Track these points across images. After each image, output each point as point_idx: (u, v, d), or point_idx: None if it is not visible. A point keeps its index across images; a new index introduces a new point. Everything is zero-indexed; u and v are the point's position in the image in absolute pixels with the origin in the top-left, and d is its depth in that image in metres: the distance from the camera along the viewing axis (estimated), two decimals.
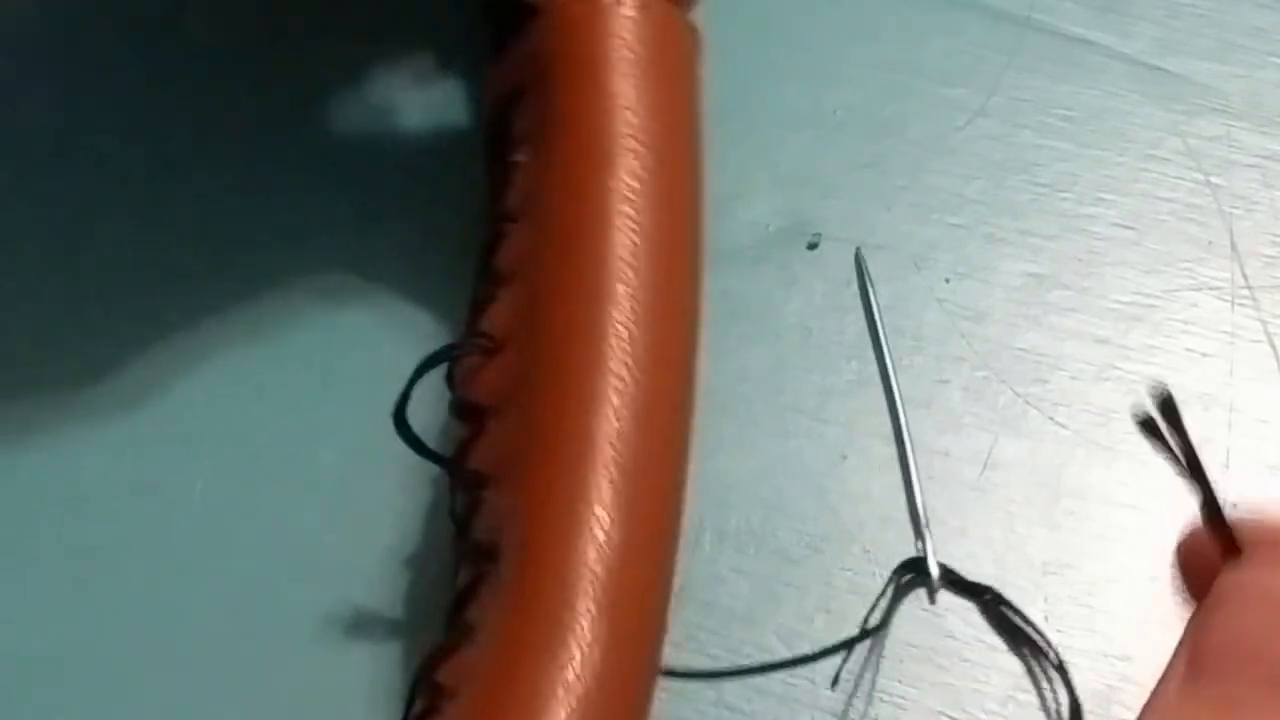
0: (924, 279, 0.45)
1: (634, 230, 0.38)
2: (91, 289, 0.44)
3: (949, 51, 0.48)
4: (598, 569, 0.34)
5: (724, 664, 0.39)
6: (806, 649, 0.40)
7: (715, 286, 0.41)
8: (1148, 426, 0.30)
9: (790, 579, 0.41)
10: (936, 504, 0.42)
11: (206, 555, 0.41)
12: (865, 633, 0.39)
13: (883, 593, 0.40)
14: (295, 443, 0.42)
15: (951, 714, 0.39)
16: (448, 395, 0.39)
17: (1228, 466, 0.42)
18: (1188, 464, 0.30)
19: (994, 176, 0.46)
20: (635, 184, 0.38)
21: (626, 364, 0.36)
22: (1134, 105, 0.48)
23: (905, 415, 0.42)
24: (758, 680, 0.39)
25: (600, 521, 0.34)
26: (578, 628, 0.33)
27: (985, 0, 0.49)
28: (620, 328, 0.36)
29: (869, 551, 0.41)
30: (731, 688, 0.39)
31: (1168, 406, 0.30)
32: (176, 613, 0.40)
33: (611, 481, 0.35)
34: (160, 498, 0.41)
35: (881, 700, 0.39)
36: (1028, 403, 0.43)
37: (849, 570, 0.41)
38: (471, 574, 0.35)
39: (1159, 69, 0.48)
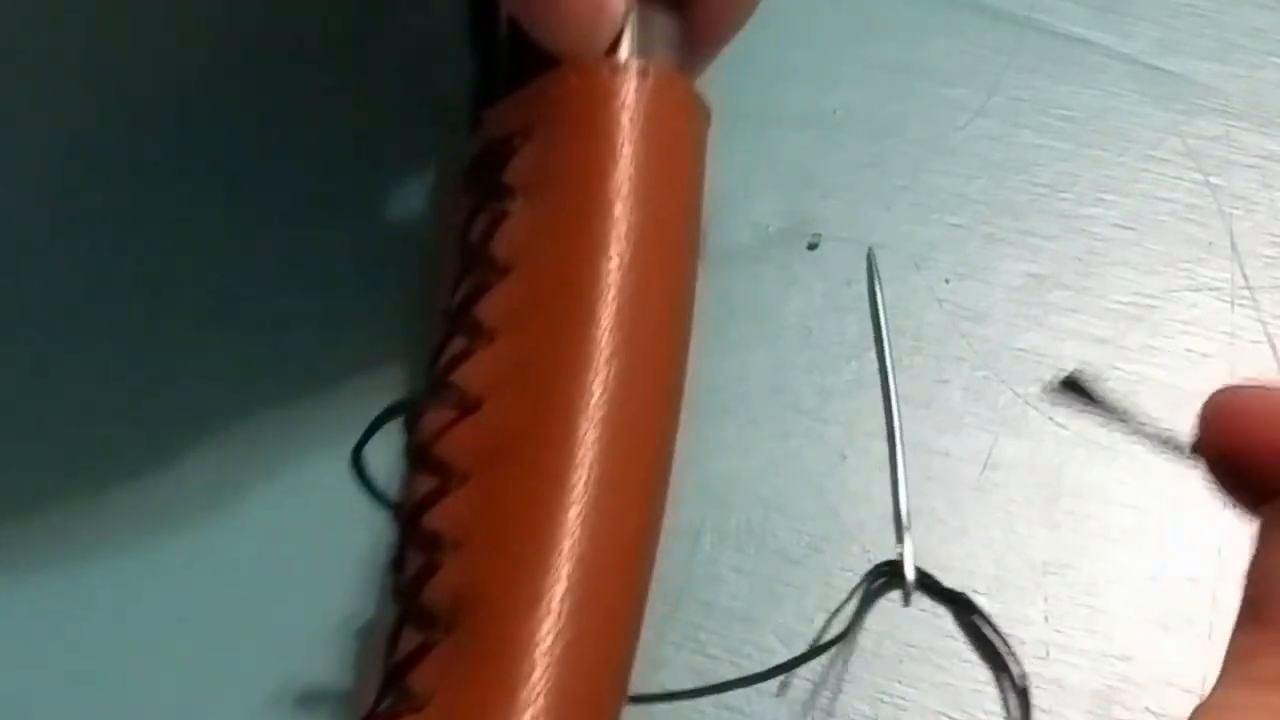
0: (924, 279, 0.45)
1: (627, 303, 0.37)
2: (92, 311, 0.44)
3: (949, 51, 0.48)
4: (559, 651, 0.34)
5: (723, 664, 0.39)
6: (805, 649, 0.40)
7: (715, 286, 0.41)
8: (1069, 386, 0.30)
9: (790, 579, 0.41)
10: (936, 504, 0.42)
11: (159, 620, 0.40)
12: (825, 644, 0.39)
13: (849, 597, 0.40)
14: (245, 503, 0.41)
15: (951, 714, 0.39)
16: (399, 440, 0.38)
17: None
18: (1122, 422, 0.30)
19: (994, 176, 0.46)
20: (633, 255, 0.37)
21: (608, 444, 0.35)
22: (1134, 105, 0.48)
23: (900, 418, 0.42)
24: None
25: (567, 606, 0.34)
26: (537, 708, 0.33)
27: (985, 0, 0.49)
28: (604, 407, 0.36)
29: (869, 551, 0.41)
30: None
31: (1076, 386, 0.30)
32: (129, 685, 0.40)
33: (582, 570, 0.34)
34: (106, 559, 0.41)
35: (882, 701, 0.39)
36: (1028, 403, 0.43)
37: (849, 570, 0.41)
38: (418, 640, 0.35)
39: (1159, 69, 0.48)
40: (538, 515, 0.35)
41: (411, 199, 0.45)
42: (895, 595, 0.40)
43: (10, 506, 0.41)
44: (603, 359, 0.36)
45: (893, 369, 0.43)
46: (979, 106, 0.47)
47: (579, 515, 0.35)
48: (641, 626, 0.37)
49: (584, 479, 0.35)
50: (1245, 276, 0.45)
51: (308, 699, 0.39)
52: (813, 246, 0.45)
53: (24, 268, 0.44)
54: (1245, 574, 0.29)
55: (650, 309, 0.38)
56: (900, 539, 0.41)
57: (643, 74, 0.39)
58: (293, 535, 0.41)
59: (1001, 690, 0.39)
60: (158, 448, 0.42)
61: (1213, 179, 0.46)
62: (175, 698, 0.39)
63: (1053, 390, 0.31)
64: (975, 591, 0.40)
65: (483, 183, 0.40)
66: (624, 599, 0.36)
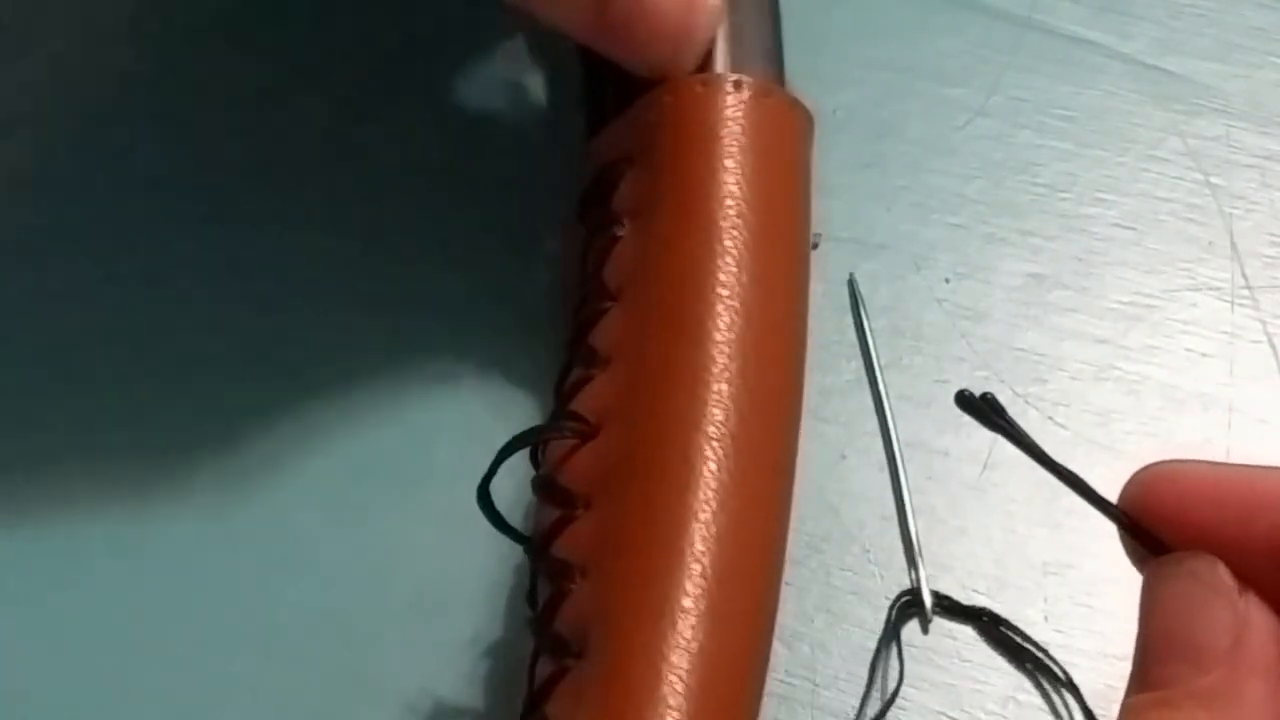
0: (924, 279, 0.45)
1: (739, 321, 0.37)
2: (113, 288, 0.44)
3: (949, 51, 0.48)
4: (687, 675, 0.33)
5: None
6: (806, 649, 0.40)
7: None
8: (969, 404, 0.30)
9: (790, 579, 0.41)
10: (936, 504, 0.42)
11: (263, 637, 0.40)
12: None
13: (884, 636, 0.40)
14: (370, 522, 0.41)
15: (951, 714, 0.39)
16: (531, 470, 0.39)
17: None
18: (1028, 451, 0.31)
19: (994, 176, 0.46)
20: (742, 272, 0.37)
21: (726, 460, 0.35)
22: (1134, 105, 0.48)
23: (901, 453, 0.42)
24: None
25: (691, 627, 0.34)
26: None
27: (985, 0, 0.49)
28: (720, 424, 0.36)
29: (869, 551, 0.41)
30: None
31: (992, 404, 0.30)
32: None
33: (705, 585, 0.34)
34: (226, 580, 0.41)
35: (881, 700, 0.39)
36: (1028, 403, 0.43)
37: (849, 570, 0.41)
38: (552, 668, 0.35)
39: (1159, 69, 0.48)
40: (657, 535, 0.35)
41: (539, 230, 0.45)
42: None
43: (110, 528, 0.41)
44: (721, 382, 0.36)
45: (891, 413, 0.43)
46: (979, 106, 0.47)
47: (699, 531, 0.34)
48: (771, 639, 0.37)
49: (703, 498, 0.35)
50: (1245, 276, 0.45)
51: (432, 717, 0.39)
52: (813, 246, 0.45)
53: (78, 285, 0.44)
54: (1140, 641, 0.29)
55: (763, 324, 0.37)
56: (911, 565, 0.41)
57: (737, 87, 0.39)
58: (418, 559, 0.41)
59: (1044, 693, 0.39)
60: (280, 466, 0.42)
61: (1213, 179, 0.46)
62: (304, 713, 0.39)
63: (958, 400, 0.31)
64: (975, 591, 0.40)
65: (594, 211, 0.40)
66: (751, 611, 0.35)
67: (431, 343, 0.43)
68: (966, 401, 0.31)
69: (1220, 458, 0.42)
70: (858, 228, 0.45)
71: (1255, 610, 0.28)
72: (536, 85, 0.47)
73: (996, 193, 0.46)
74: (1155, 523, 0.30)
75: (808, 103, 0.47)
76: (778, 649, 0.40)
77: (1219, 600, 0.28)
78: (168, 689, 0.39)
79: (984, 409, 0.30)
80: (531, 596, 0.37)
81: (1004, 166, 0.47)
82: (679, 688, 0.33)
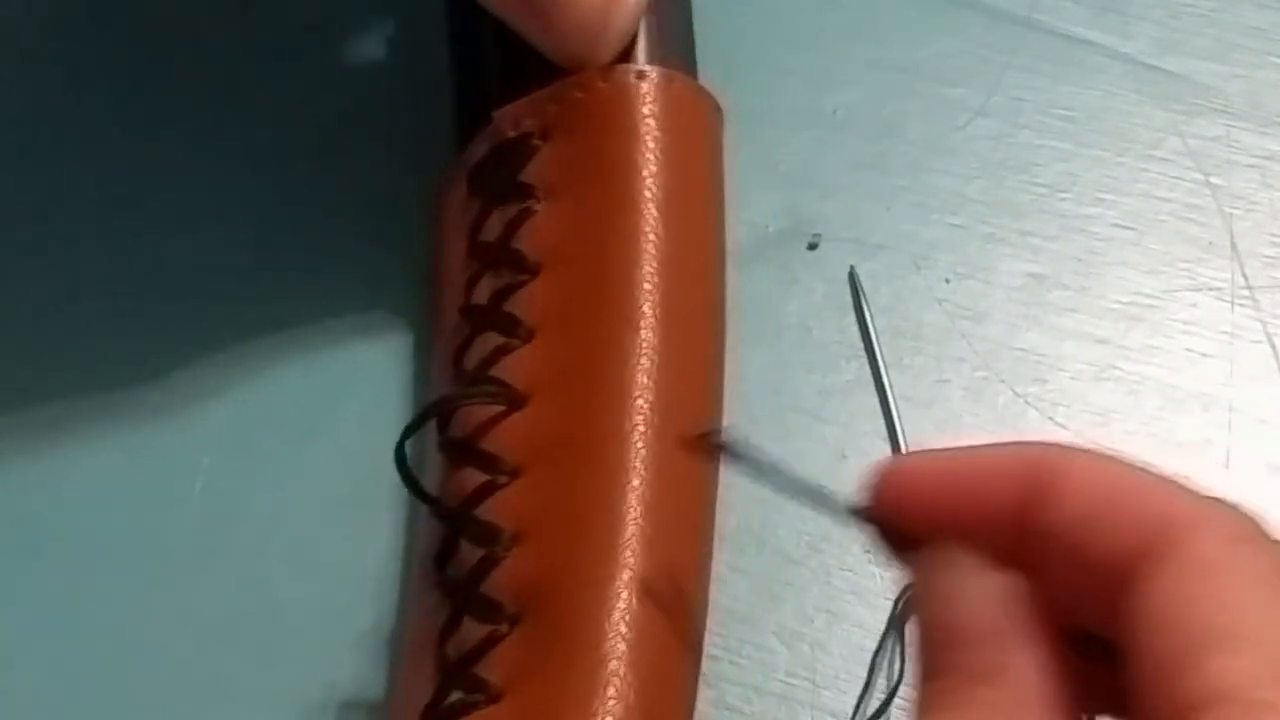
0: (924, 279, 0.45)
1: (670, 298, 0.38)
2: (101, 292, 0.45)
3: (949, 51, 0.48)
4: (633, 636, 0.35)
5: (723, 663, 0.39)
6: (806, 649, 0.40)
7: None
8: (710, 449, 0.31)
9: (790, 579, 0.41)
10: None
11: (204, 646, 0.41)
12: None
13: (887, 630, 0.40)
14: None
15: None
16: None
17: (1227, 466, 0.42)
18: (769, 482, 0.31)
19: (994, 176, 0.46)
20: (672, 251, 0.39)
21: (658, 433, 0.37)
22: (1134, 105, 0.48)
23: (906, 443, 0.42)
24: (757, 680, 0.39)
25: (635, 593, 0.35)
26: (616, 690, 0.34)
27: (985, 0, 0.49)
28: (654, 399, 0.37)
29: (869, 551, 0.41)
30: (731, 688, 0.39)
31: (728, 446, 0.31)
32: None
33: (648, 553, 0.36)
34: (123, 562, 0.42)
35: (880, 699, 0.39)
36: (1028, 403, 0.43)
37: (849, 570, 0.41)
38: (484, 632, 0.36)
39: (1159, 69, 0.48)
40: (601, 508, 0.36)
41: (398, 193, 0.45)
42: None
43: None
44: (649, 356, 0.37)
45: (893, 397, 0.43)
46: (979, 106, 0.47)
47: (639, 505, 0.36)
48: (706, 605, 0.38)
49: (641, 470, 0.36)
50: (1245, 276, 0.45)
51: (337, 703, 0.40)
52: (813, 246, 0.45)
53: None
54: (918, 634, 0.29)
55: (688, 300, 0.39)
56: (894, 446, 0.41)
57: (640, 77, 0.40)
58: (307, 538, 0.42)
59: None
60: (172, 444, 0.43)
61: (1213, 179, 0.46)
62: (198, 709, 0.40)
63: (701, 444, 0.32)
64: None
65: (495, 182, 0.41)
66: (689, 580, 0.37)
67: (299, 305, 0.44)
68: (707, 447, 0.31)
69: (1220, 458, 0.42)
70: (858, 228, 0.45)
71: (1011, 583, 0.28)
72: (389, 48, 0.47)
73: (996, 193, 0.46)
74: (900, 521, 0.30)
75: (808, 102, 0.47)
76: (776, 648, 0.40)
77: (969, 581, 0.28)
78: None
79: (726, 450, 0.31)
80: (444, 558, 0.37)
81: (1004, 166, 0.47)
82: (626, 655, 0.35)
